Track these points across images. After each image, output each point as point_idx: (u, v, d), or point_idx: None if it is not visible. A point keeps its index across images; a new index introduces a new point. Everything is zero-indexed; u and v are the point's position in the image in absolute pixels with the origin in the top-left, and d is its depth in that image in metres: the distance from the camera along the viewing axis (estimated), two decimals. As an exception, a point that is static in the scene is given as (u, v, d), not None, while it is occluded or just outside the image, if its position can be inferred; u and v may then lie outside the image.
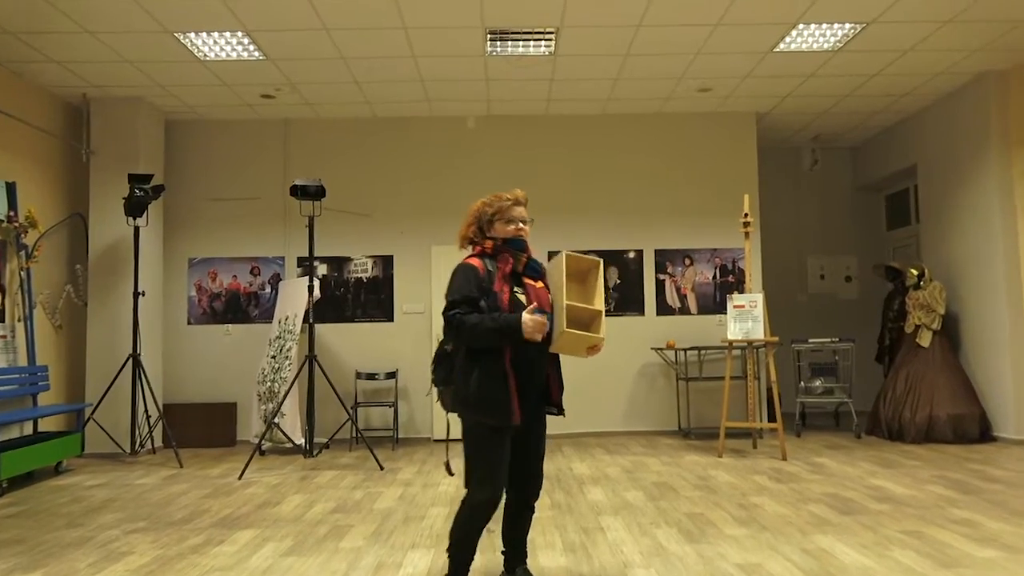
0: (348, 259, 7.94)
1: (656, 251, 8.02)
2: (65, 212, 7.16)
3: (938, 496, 4.73)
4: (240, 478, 5.79)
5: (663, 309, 7.98)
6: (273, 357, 7.09)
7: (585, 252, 3.01)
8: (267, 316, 7.75)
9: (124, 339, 6.88)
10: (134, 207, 6.61)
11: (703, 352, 7.67)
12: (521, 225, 2.95)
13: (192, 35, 5.89)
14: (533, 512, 3.06)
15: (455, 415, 2.91)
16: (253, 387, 7.31)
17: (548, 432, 3.06)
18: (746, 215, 6.80)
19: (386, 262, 7.94)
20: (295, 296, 7.14)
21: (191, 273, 7.89)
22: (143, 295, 6.83)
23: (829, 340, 7.72)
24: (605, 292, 7.84)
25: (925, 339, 7.25)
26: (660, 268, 8.01)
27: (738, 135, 8.06)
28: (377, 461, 6.17)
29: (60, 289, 7.07)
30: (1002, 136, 6.91)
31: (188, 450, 7.09)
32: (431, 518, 4.45)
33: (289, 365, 6.83)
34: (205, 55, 6.26)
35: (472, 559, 2.91)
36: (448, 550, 2.90)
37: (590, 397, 7.69)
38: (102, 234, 7.16)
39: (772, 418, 7.26)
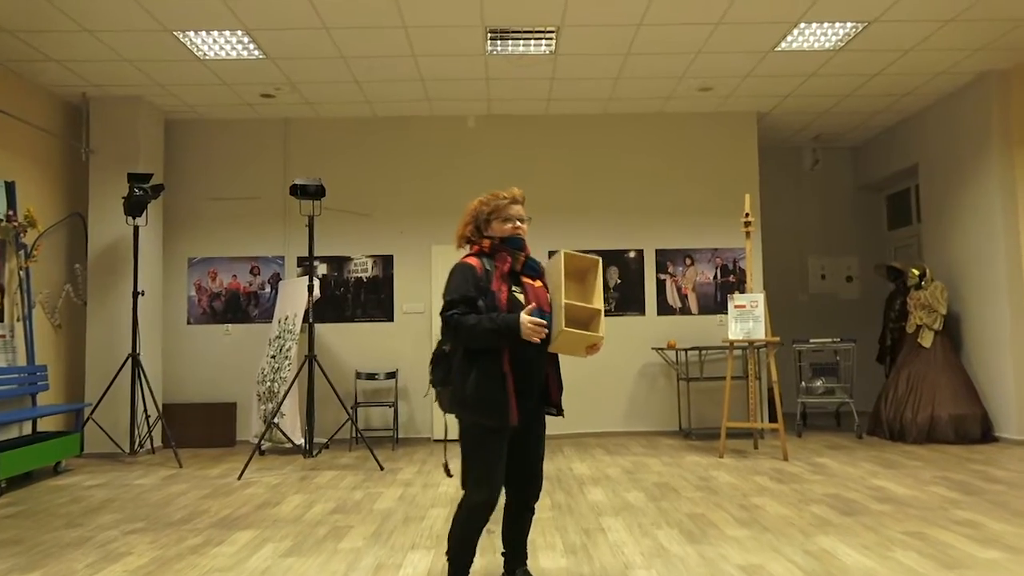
0: (348, 259, 7.92)
1: (657, 251, 8.00)
2: (64, 211, 7.15)
3: (940, 497, 4.71)
4: (239, 478, 5.78)
5: (664, 309, 7.96)
6: (273, 357, 7.08)
7: (585, 252, 2.98)
8: (267, 316, 7.73)
9: (123, 339, 6.86)
10: (133, 206, 6.60)
11: (704, 352, 7.65)
12: (518, 224, 2.93)
13: (192, 34, 5.87)
14: (533, 513, 3.04)
15: (453, 416, 2.90)
16: (253, 387, 7.30)
17: (548, 432, 3.04)
18: (747, 215, 6.78)
19: (386, 262, 7.92)
20: (295, 296, 7.13)
21: (191, 273, 7.88)
22: (143, 295, 6.81)
23: (830, 340, 7.70)
24: (605, 292, 7.86)
25: (927, 339, 7.24)
26: (661, 268, 7.99)
27: (739, 135, 8.04)
28: (377, 461, 6.16)
29: (59, 288, 7.05)
30: (1004, 136, 6.89)
31: (187, 450, 7.07)
32: (431, 519, 4.43)
33: (289, 365, 6.81)
34: (205, 54, 6.24)
35: (472, 561, 2.90)
36: (447, 553, 2.88)
37: (590, 397, 7.67)
38: (101, 233, 7.15)
39: (773, 418, 7.24)
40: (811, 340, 7.74)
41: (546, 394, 2.95)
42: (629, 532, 4.06)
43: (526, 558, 3.10)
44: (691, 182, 8.03)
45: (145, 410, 6.85)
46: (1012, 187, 6.84)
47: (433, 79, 6.94)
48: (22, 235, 6.38)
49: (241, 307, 7.85)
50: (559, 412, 2.98)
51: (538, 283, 2.93)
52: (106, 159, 7.17)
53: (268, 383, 6.99)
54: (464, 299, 2.77)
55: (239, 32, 5.86)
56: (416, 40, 6.06)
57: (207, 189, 7.92)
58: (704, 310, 7.95)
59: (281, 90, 7.13)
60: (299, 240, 7.65)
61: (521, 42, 6.13)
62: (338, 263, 7.91)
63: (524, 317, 2.69)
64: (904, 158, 8.48)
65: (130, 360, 6.57)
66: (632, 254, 7.99)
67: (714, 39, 6.13)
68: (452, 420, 2.88)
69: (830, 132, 8.85)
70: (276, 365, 6.97)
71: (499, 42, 6.12)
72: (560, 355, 2.98)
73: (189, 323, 7.83)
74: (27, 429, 6.37)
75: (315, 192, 6.53)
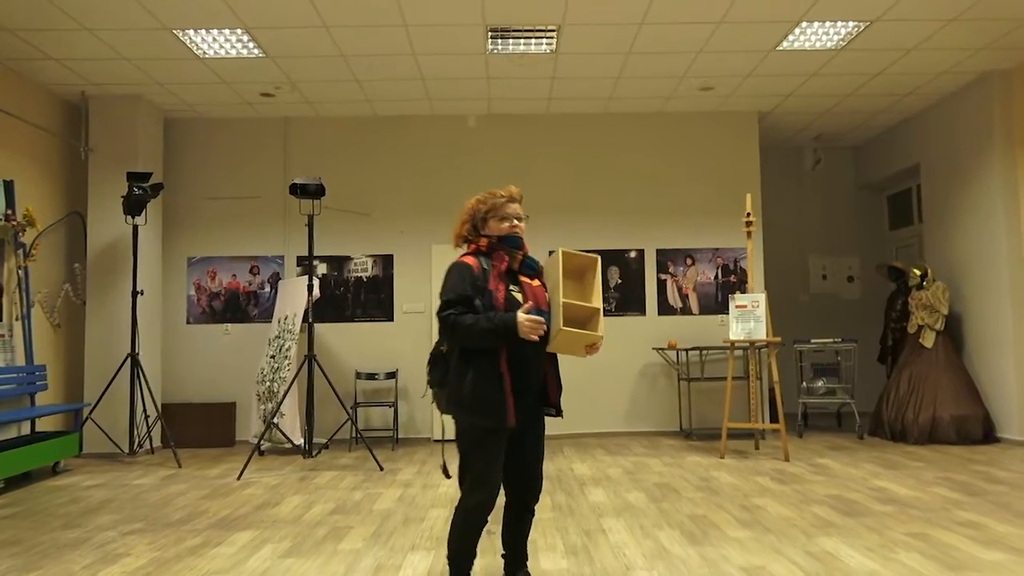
0: (348, 258, 7.90)
1: (658, 251, 7.98)
2: (63, 210, 7.13)
3: (943, 498, 4.69)
4: (239, 478, 5.75)
5: (665, 309, 7.94)
6: (272, 357, 7.06)
7: (586, 251, 2.95)
8: (266, 315, 7.71)
9: (123, 338, 6.84)
10: (133, 205, 6.57)
11: (705, 352, 7.63)
12: (516, 222, 2.90)
13: (191, 32, 5.85)
14: (533, 515, 3.01)
15: (450, 417, 2.87)
16: (252, 387, 7.28)
17: (548, 432, 3.01)
18: (748, 215, 6.76)
19: (386, 261, 7.90)
20: (294, 295, 7.11)
21: (190, 272, 7.86)
22: (142, 294, 6.79)
23: (831, 340, 7.68)
24: (606, 291, 7.87)
25: (928, 340, 7.21)
26: (662, 268, 7.97)
27: (740, 134, 8.02)
28: (377, 462, 6.13)
29: (58, 288, 7.03)
30: (1006, 135, 6.87)
31: (187, 450, 7.05)
32: (431, 520, 4.41)
33: (288, 365, 6.79)
34: (204, 52, 6.22)
35: (472, 562, 2.87)
36: (448, 555, 2.86)
37: (591, 397, 7.65)
38: (100, 233, 7.12)
39: (774, 419, 7.22)
40: (812, 340, 7.72)
41: (545, 395, 2.92)
42: (630, 533, 4.03)
43: (526, 559, 3.08)
44: (692, 182, 8.01)
45: (144, 410, 6.82)
46: (1014, 187, 6.82)
47: (433, 78, 6.92)
48: (21, 234, 6.36)
49: (241, 307, 7.83)
50: (558, 413, 2.95)
51: (536, 282, 2.90)
52: (105, 158, 7.15)
53: (268, 383, 6.97)
54: (461, 299, 2.74)
55: (239, 30, 5.84)
56: (416, 39, 6.04)
57: (206, 188, 7.90)
58: (705, 310, 7.92)
59: (281, 89, 7.11)
60: (299, 239, 7.63)
61: (522, 41, 6.11)
62: (338, 263, 7.89)
63: (521, 315, 2.66)
64: (906, 158, 8.46)
65: (129, 360, 6.55)
66: (633, 254, 7.97)
67: (715, 38, 6.11)
68: (450, 421, 2.85)
69: (831, 132, 8.83)
70: (276, 365, 6.95)
71: (500, 41, 6.10)
72: (560, 355, 2.95)
73: (188, 323, 7.81)
74: (26, 429, 6.35)
75: (315, 191, 6.51)
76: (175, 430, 7.00)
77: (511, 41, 6.11)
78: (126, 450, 6.71)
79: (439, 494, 5.09)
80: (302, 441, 6.69)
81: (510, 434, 2.80)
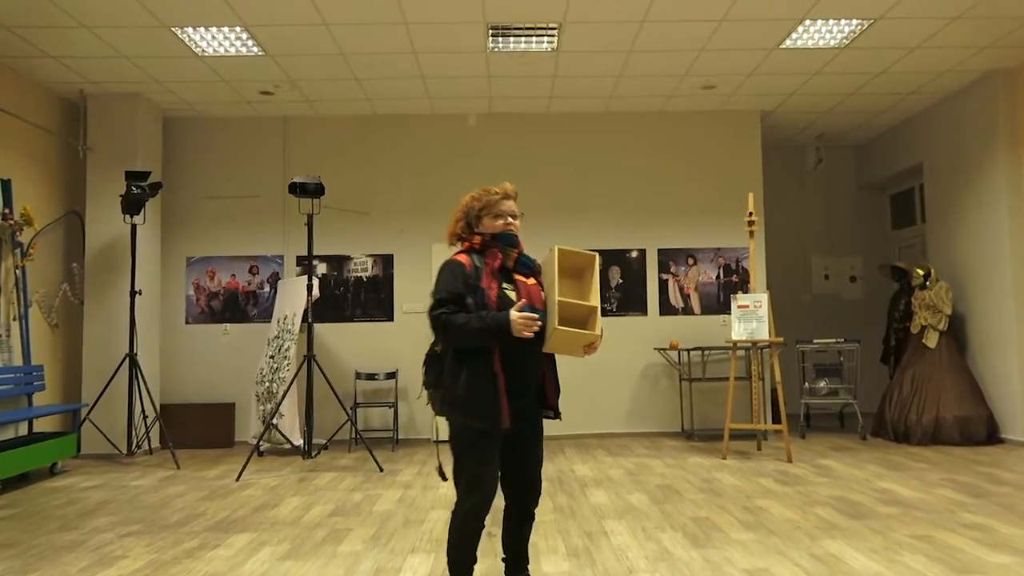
0: (348, 258, 7.86)
1: (659, 250, 7.94)
2: (61, 210, 7.09)
3: (947, 500, 4.65)
4: (237, 480, 5.71)
5: (666, 309, 7.90)
6: (272, 357, 7.02)
7: (587, 251, 2.88)
8: (266, 315, 7.67)
9: (121, 338, 6.79)
10: (131, 205, 6.54)
11: (706, 352, 7.59)
12: (510, 220, 2.85)
13: (190, 30, 5.81)
14: (533, 519, 2.96)
15: (444, 418, 2.82)
16: (251, 387, 7.24)
17: (549, 433, 2.95)
18: (751, 214, 6.72)
19: (386, 261, 7.86)
20: (294, 295, 7.07)
21: (189, 272, 7.82)
22: (140, 294, 6.75)
23: (834, 341, 7.64)
24: (607, 291, 7.83)
25: (931, 340, 7.17)
26: (663, 267, 7.93)
27: (742, 133, 7.98)
28: (376, 463, 6.09)
29: (56, 288, 6.99)
30: (1010, 134, 6.83)
31: (185, 451, 7.00)
32: (431, 521, 4.37)
33: (288, 365, 6.75)
34: (203, 51, 6.18)
35: (472, 565, 2.82)
36: (447, 560, 2.81)
37: (592, 398, 7.61)
38: (99, 232, 7.08)
39: (776, 420, 7.18)
40: (815, 340, 7.67)
41: (543, 396, 2.87)
42: (632, 535, 3.99)
43: (527, 563, 3.02)
44: (694, 181, 7.97)
45: (143, 410, 6.78)
46: (1019, 186, 6.78)
47: (434, 76, 6.88)
48: (18, 233, 6.32)
49: (240, 306, 7.79)
50: (556, 415, 2.90)
51: (532, 281, 2.83)
52: (104, 157, 7.11)
53: (267, 383, 6.93)
54: (453, 297, 2.69)
55: (238, 28, 5.80)
56: (417, 36, 6.00)
57: (206, 187, 7.86)
58: (707, 310, 7.88)
59: (280, 87, 7.07)
60: (298, 239, 7.58)
61: (523, 39, 6.07)
62: (338, 262, 7.85)
63: (514, 313, 2.61)
64: (908, 157, 8.42)
65: (127, 360, 6.51)
66: (634, 253, 7.93)
67: (718, 36, 6.07)
68: (445, 422, 2.80)
69: (834, 131, 8.79)
70: (275, 365, 6.91)
71: (500, 39, 6.06)
72: (559, 355, 2.89)
73: (187, 323, 7.77)
74: (23, 430, 6.31)
75: (314, 191, 6.47)
76: (174, 431, 6.96)
77: (512, 39, 6.07)
78: (124, 451, 6.67)
79: (439, 495, 5.05)
80: (301, 442, 6.65)
81: (507, 437, 2.75)
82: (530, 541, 3.04)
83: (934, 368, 7.06)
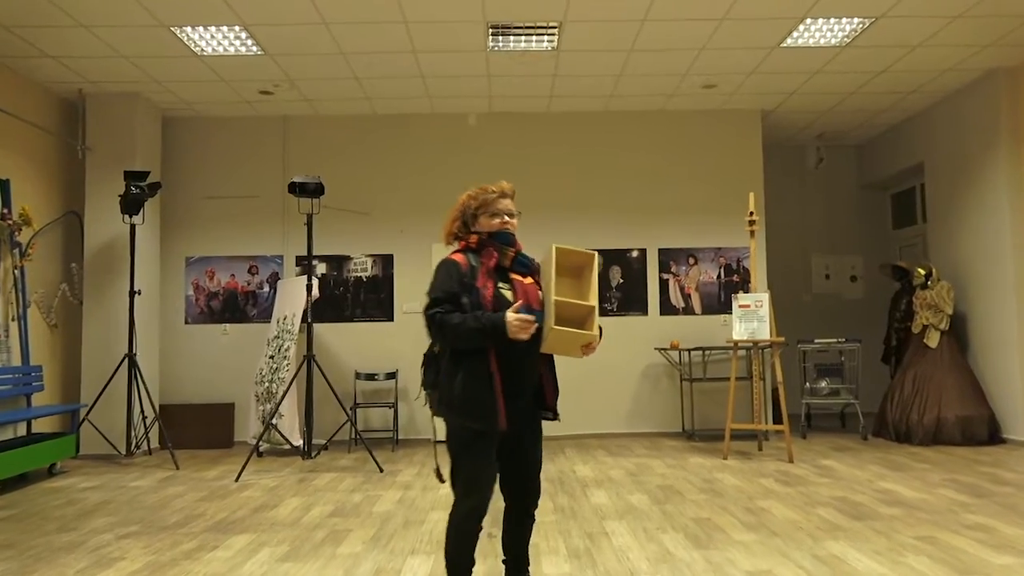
0: (347, 258, 7.84)
1: (660, 250, 7.91)
2: (60, 210, 7.06)
3: (950, 500, 4.63)
4: (237, 480, 5.69)
5: (667, 309, 7.87)
6: (271, 357, 7.00)
7: (586, 249, 2.84)
8: (265, 315, 7.64)
9: (120, 339, 6.77)
10: (130, 205, 6.51)
11: (707, 352, 7.56)
12: (507, 218, 2.82)
13: (189, 29, 5.79)
14: (533, 521, 2.93)
15: (443, 419, 2.80)
16: (251, 387, 7.21)
17: (549, 433, 2.93)
18: (751, 214, 6.70)
19: (386, 261, 7.84)
20: (294, 295, 7.04)
21: (188, 272, 7.80)
22: (139, 294, 6.73)
23: (835, 340, 7.62)
24: (607, 291, 7.81)
25: (933, 339, 7.15)
26: (664, 267, 7.91)
27: (743, 132, 7.96)
28: (376, 463, 6.07)
29: (55, 288, 6.97)
30: (1012, 133, 6.81)
31: (184, 451, 6.99)
32: (431, 522, 4.35)
33: (287, 365, 6.73)
34: (202, 50, 6.16)
35: (471, 567, 2.80)
36: (446, 560, 2.79)
37: (592, 398, 7.58)
38: (98, 232, 7.06)
39: (777, 420, 7.16)
40: (816, 340, 7.65)
41: (541, 397, 2.84)
42: (634, 536, 3.97)
43: (528, 564, 2.99)
44: (694, 180, 7.95)
45: (142, 411, 6.76)
46: (1020, 185, 6.76)
47: (434, 76, 6.85)
48: (17, 234, 6.30)
49: (239, 307, 7.77)
50: (555, 416, 2.88)
51: (529, 280, 2.80)
52: (102, 157, 7.09)
53: (266, 383, 6.90)
54: (448, 296, 2.67)
55: (237, 27, 5.78)
56: (416, 36, 5.98)
57: (205, 187, 7.84)
58: (708, 310, 7.86)
59: (280, 87, 7.05)
60: (298, 239, 7.56)
61: (523, 38, 6.05)
62: (337, 262, 7.83)
63: (510, 315, 2.58)
64: (909, 156, 8.40)
65: (127, 360, 6.49)
66: (635, 253, 7.91)
67: (718, 35, 6.05)
68: (442, 423, 2.78)
69: (834, 130, 8.77)
70: (274, 365, 6.89)
71: (500, 38, 6.04)
72: (557, 356, 2.86)
73: (186, 323, 7.75)
74: (22, 430, 6.29)
75: (314, 190, 6.44)
76: (173, 431, 6.94)
77: (512, 38, 6.05)
78: (123, 452, 6.65)
79: (439, 496, 5.03)
80: (301, 442, 6.63)
81: (505, 438, 2.73)
82: (531, 542, 3.02)
83: (935, 368, 7.04)
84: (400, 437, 7.51)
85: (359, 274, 7.83)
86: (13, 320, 6.30)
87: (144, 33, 5.83)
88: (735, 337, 6.42)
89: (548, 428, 2.94)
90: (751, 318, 6.41)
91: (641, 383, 7.79)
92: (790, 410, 7.21)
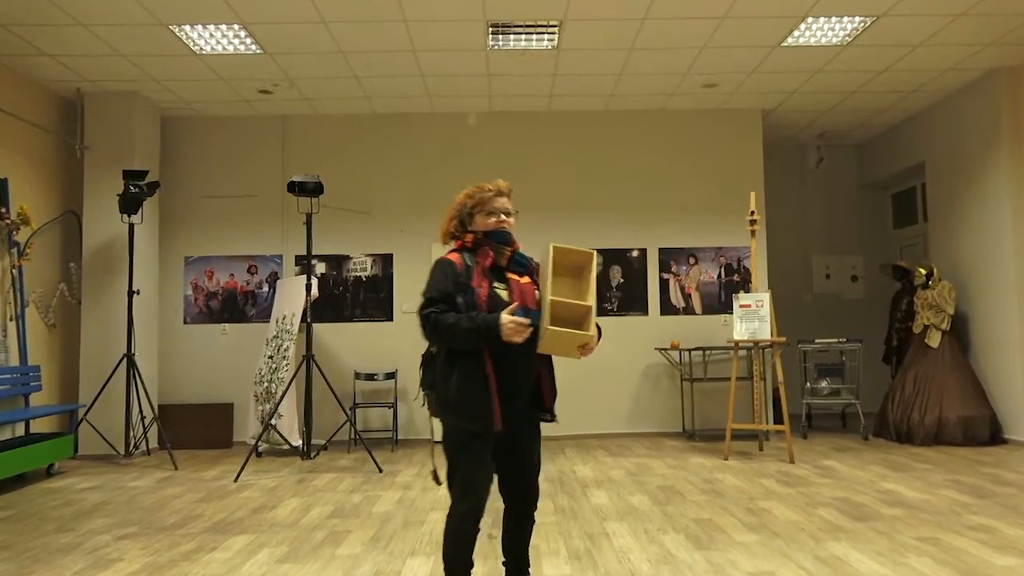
0: (347, 257, 7.82)
1: (660, 250, 7.90)
2: (58, 209, 7.04)
3: (952, 501, 4.61)
4: (236, 481, 5.67)
5: (667, 309, 7.86)
6: (270, 357, 6.97)
7: (587, 250, 2.81)
8: (264, 315, 7.62)
9: (119, 338, 6.75)
10: (129, 204, 6.49)
11: (708, 352, 7.54)
12: (503, 217, 2.79)
13: (187, 28, 5.77)
14: (533, 522, 2.91)
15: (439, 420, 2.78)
16: (250, 388, 7.19)
17: (549, 433, 2.91)
18: (752, 213, 6.68)
19: (385, 260, 7.82)
20: (293, 295, 7.02)
21: (187, 271, 7.77)
22: (138, 294, 6.71)
23: (836, 340, 7.60)
24: (607, 290, 7.78)
25: (934, 339, 7.13)
26: (664, 267, 7.89)
27: (743, 132, 7.94)
28: (376, 463, 6.05)
29: (53, 287, 6.94)
30: (1013, 132, 6.79)
31: (183, 452, 6.96)
32: (431, 523, 4.33)
33: (286, 365, 6.71)
34: (201, 49, 6.14)
35: (470, 569, 2.78)
36: (444, 562, 2.76)
37: (592, 398, 7.56)
38: (96, 231, 7.04)
39: (778, 420, 7.14)
40: (816, 340, 7.63)
41: (538, 398, 2.81)
42: (635, 537, 3.95)
43: (528, 566, 2.97)
44: (695, 180, 7.93)
45: (140, 411, 6.74)
46: (1021, 184, 6.75)
47: (433, 74, 6.83)
48: (15, 233, 6.28)
49: (238, 306, 7.75)
50: (552, 418, 2.85)
51: (526, 279, 2.77)
52: (101, 156, 7.06)
53: (265, 384, 6.88)
54: (443, 296, 2.65)
55: (236, 26, 5.76)
56: (416, 34, 5.96)
57: (204, 187, 7.82)
58: (708, 310, 7.84)
59: (279, 86, 7.02)
60: (297, 238, 7.54)
61: (523, 37, 6.03)
62: (337, 262, 7.81)
63: (505, 316, 2.55)
64: (910, 156, 8.38)
65: (125, 360, 6.47)
66: (635, 253, 7.89)
67: (719, 34, 6.03)
68: (439, 424, 2.76)
69: (835, 129, 8.75)
70: (274, 365, 6.87)
71: (501, 37, 6.02)
72: (556, 356, 2.84)
73: (185, 323, 7.73)
74: (20, 430, 6.26)
75: (313, 190, 6.42)
76: (171, 431, 6.92)
77: (512, 37, 6.03)
78: (122, 452, 6.62)
79: (439, 497, 5.01)
80: (300, 442, 6.61)
81: (502, 439, 2.70)
82: (531, 543, 2.99)
83: (937, 368, 7.02)
84: (399, 437, 7.49)
85: (358, 274, 7.81)
86: (11, 320, 6.28)
87: (143, 32, 5.81)
88: (736, 337, 6.40)
89: (548, 428, 2.92)
90: (752, 318, 6.39)
91: (641, 383, 7.77)
92: (791, 410, 7.19)
